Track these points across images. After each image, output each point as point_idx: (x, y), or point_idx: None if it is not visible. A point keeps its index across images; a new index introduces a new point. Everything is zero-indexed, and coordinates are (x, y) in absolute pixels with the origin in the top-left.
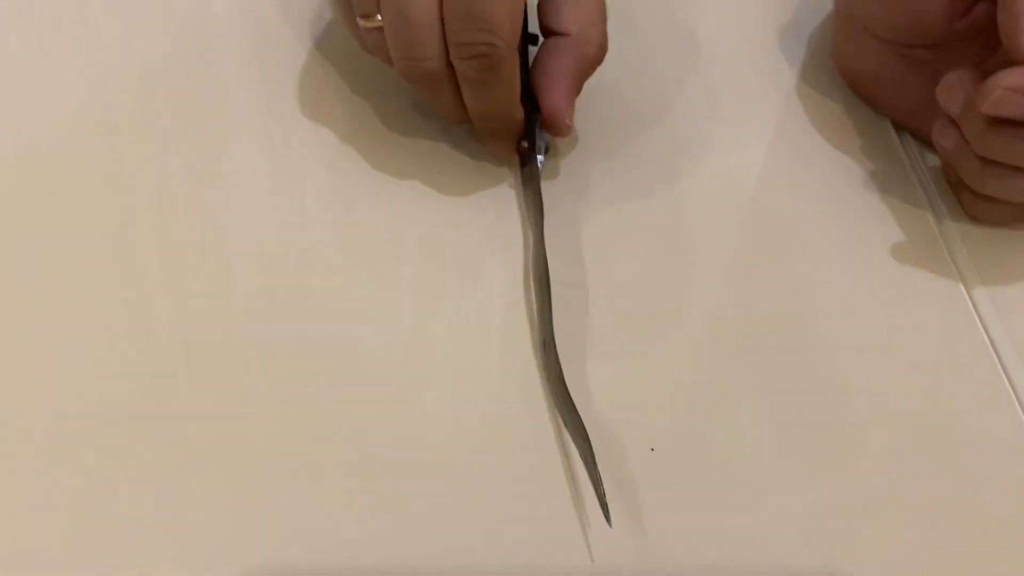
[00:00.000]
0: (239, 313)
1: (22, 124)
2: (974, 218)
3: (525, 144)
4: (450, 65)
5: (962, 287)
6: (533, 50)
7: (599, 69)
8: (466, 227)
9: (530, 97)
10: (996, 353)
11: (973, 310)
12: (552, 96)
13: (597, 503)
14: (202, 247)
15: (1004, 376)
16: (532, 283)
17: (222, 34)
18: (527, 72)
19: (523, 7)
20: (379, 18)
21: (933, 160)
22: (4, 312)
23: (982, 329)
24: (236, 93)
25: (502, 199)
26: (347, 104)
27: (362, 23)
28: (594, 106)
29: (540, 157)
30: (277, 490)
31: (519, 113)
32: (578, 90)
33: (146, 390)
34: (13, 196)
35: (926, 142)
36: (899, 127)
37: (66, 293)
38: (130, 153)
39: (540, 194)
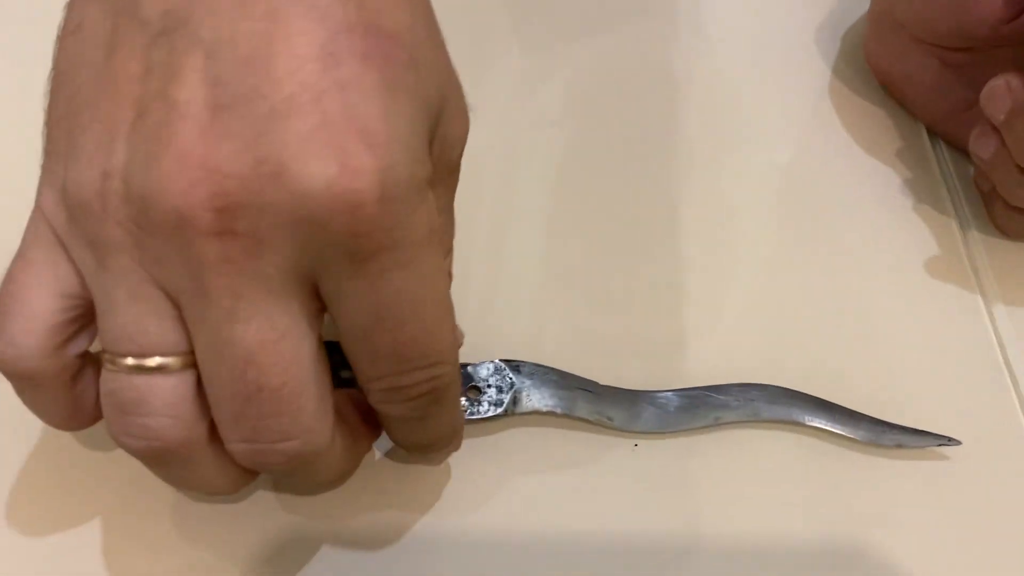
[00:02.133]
0: None
1: None
2: (1003, 231)
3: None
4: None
5: (981, 300)
6: None
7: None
8: None
9: None
10: (1009, 369)
11: (990, 325)
12: None
13: None
14: None
15: (1014, 393)
16: None
17: None
18: None
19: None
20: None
21: (965, 168)
22: None
23: (997, 345)
24: None
25: None
26: None
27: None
28: (619, 101)
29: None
30: None
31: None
32: None
33: None
34: None
35: (960, 149)
36: (932, 132)
37: None
38: None
39: None
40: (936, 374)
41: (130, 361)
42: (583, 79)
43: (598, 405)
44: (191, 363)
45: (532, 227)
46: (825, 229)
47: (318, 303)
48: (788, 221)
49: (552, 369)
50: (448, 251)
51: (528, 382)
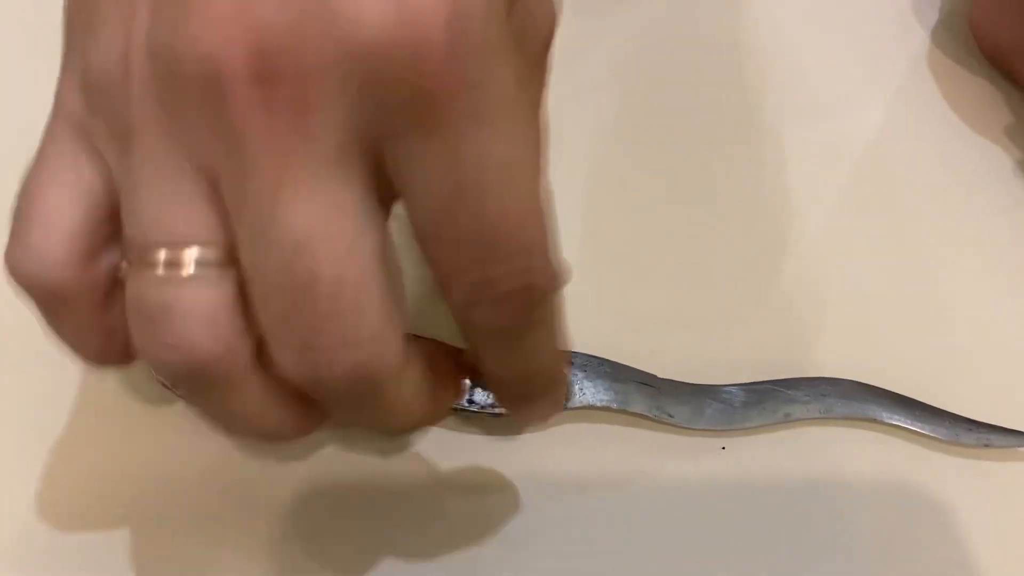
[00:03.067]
0: None
1: None
2: None
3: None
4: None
5: None
6: None
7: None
8: None
9: None
10: None
11: None
12: None
13: None
14: None
15: None
16: None
17: None
18: None
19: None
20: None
21: None
22: None
23: None
24: None
25: None
26: None
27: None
28: (677, 66)
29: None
30: None
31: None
32: None
33: None
34: None
35: None
36: None
37: None
38: None
39: None
40: None
41: (159, 255)
42: (637, 41)
43: (657, 400)
44: (231, 260)
45: (575, 202)
46: (913, 211)
47: (385, 187)
48: (879, 193)
49: (605, 360)
50: (540, 170)
51: (580, 374)
